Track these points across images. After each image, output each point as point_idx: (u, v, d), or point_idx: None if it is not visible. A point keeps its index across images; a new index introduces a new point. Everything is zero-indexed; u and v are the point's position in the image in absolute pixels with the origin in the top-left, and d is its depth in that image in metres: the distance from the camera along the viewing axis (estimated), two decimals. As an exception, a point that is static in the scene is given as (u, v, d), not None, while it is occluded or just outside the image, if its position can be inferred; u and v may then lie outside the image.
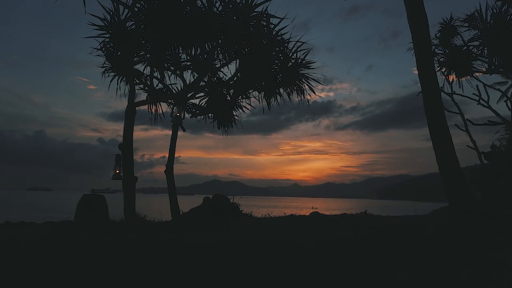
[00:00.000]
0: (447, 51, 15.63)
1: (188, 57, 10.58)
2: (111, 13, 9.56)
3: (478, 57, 15.03)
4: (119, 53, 9.88)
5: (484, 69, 15.17)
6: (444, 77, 16.07)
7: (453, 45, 15.57)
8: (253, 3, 9.72)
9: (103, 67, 10.18)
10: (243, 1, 9.71)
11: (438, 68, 15.60)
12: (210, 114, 11.71)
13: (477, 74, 15.61)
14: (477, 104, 16.31)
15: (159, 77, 10.63)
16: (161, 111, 11.22)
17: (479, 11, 14.24)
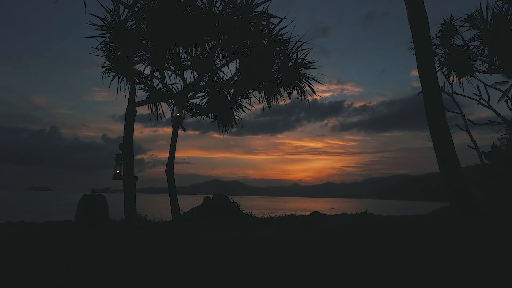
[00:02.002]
0: (448, 51, 15.62)
1: (188, 57, 10.58)
2: (111, 13, 9.56)
3: (479, 57, 15.02)
4: (120, 53, 9.88)
5: (484, 69, 15.16)
6: (444, 77, 16.07)
7: (454, 45, 15.56)
8: (254, 3, 9.72)
9: (103, 67, 10.20)
10: (244, 1, 9.71)
11: (439, 68, 15.58)
12: (210, 114, 11.71)
13: (477, 73, 15.60)
14: (478, 104, 16.29)
15: (159, 77, 10.63)
16: (161, 111, 11.25)
17: (479, 10, 14.25)
